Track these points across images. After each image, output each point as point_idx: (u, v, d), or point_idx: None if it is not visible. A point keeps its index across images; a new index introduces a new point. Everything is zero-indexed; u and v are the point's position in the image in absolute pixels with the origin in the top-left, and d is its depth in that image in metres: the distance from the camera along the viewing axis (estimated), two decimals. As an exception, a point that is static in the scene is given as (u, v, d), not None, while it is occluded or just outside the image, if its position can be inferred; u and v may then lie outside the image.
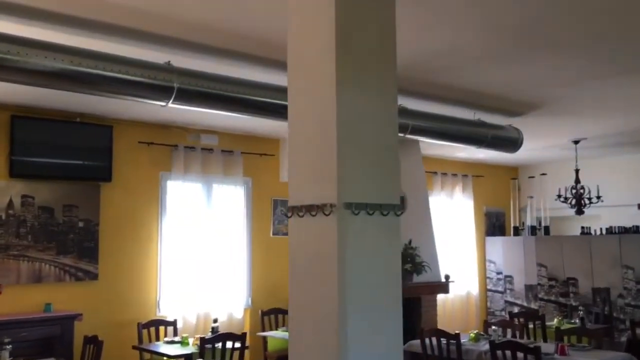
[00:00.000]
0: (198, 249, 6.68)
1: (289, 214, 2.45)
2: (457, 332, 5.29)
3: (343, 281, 2.23)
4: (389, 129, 2.49)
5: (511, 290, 9.27)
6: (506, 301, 9.30)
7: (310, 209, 2.36)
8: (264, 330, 6.67)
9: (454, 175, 9.27)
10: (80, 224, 6.00)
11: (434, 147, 7.75)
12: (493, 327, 5.75)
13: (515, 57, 4.50)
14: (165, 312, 6.46)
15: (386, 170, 2.45)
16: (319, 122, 2.37)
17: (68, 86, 4.06)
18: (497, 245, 9.55)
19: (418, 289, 7.17)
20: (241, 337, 5.22)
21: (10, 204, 5.61)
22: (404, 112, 5.50)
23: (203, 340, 5.08)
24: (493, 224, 9.86)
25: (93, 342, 5.15)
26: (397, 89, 5.21)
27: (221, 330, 5.76)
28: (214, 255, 6.79)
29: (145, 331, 5.92)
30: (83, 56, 3.86)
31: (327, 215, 2.29)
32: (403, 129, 5.50)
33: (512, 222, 9.72)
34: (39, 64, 3.68)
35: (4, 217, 5.57)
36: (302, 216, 2.39)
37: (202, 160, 6.80)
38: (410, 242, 7.05)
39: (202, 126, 6.72)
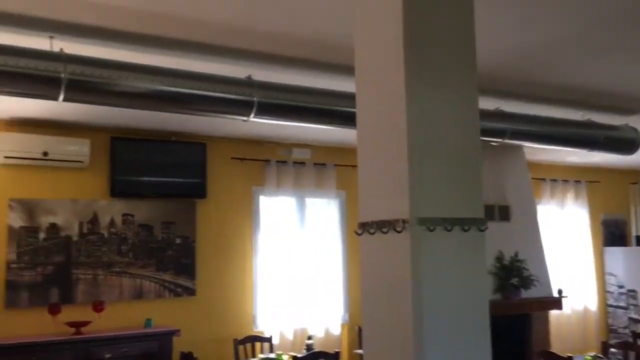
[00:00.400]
0: (293, 264, 6.61)
1: (359, 231, 2.25)
2: (569, 355, 4.79)
3: (418, 307, 1.99)
4: (468, 133, 2.22)
5: (635, 306, 8.41)
6: (630, 318, 8.44)
7: (381, 226, 2.14)
8: (361, 347, 6.45)
9: (565, 181, 8.59)
10: (178, 241, 6.12)
11: (540, 152, 7.22)
12: (612, 350, 5.17)
13: (627, 47, 4.02)
14: (262, 327, 6.43)
15: (467, 180, 2.19)
16: (388, 128, 2.16)
17: (159, 106, 4.09)
18: (617, 257, 8.71)
19: (527, 305, 6.67)
20: (334, 356, 5.04)
21: (112, 223, 5.82)
22: (500, 115, 5.12)
23: (296, 359, 4.96)
24: (612, 234, 9.02)
25: (188, 359, 5.19)
26: (493, 91, 4.84)
27: (317, 347, 5.63)
28: (309, 270, 6.69)
29: (241, 347, 5.90)
30: (174, 76, 3.88)
31: (399, 232, 2.06)
32: (500, 133, 5.12)
33: (634, 231, 8.85)
34: (132, 87, 3.73)
35: (106, 235, 5.78)
36: (373, 233, 2.18)
37: (295, 174, 6.74)
38: (516, 254, 6.58)
39: (294, 140, 6.67)
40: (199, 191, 6.18)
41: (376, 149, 2.24)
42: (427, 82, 2.14)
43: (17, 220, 5.41)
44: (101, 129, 5.78)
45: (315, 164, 6.82)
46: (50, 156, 5.42)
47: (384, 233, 2.13)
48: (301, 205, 6.79)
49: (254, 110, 3.99)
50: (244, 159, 6.51)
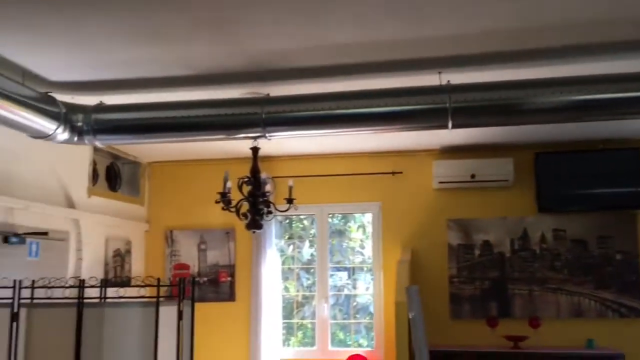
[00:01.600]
0: None
1: None
2: None
3: None
4: None
5: None
6: None
7: None
8: None
9: None
10: (618, 256, 5.63)
11: None
12: None
13: None
14: None
15: None
16: None
17: (580, 117, 3.88)
18: None
19: None
20: None
21: (542, 238, 5.79)
22: None
23: None
24: None
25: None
26: None
27: None
28: None
29: None
30: (581, 83, 3.65)
31: None
32: None
33: None
34: (547, 102, 3.67)
35: (537, 251, 5.78)
36: None
37: None
38: None
39: None
40: (637, 201, 5.55)
41: None
42: None
43: (454, 239, 5.96)
44: (524, 147, 5.85)
45: None
46: (477, 178, 5.81)
47: None
48: None
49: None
50: (695, 159, 5.54)
